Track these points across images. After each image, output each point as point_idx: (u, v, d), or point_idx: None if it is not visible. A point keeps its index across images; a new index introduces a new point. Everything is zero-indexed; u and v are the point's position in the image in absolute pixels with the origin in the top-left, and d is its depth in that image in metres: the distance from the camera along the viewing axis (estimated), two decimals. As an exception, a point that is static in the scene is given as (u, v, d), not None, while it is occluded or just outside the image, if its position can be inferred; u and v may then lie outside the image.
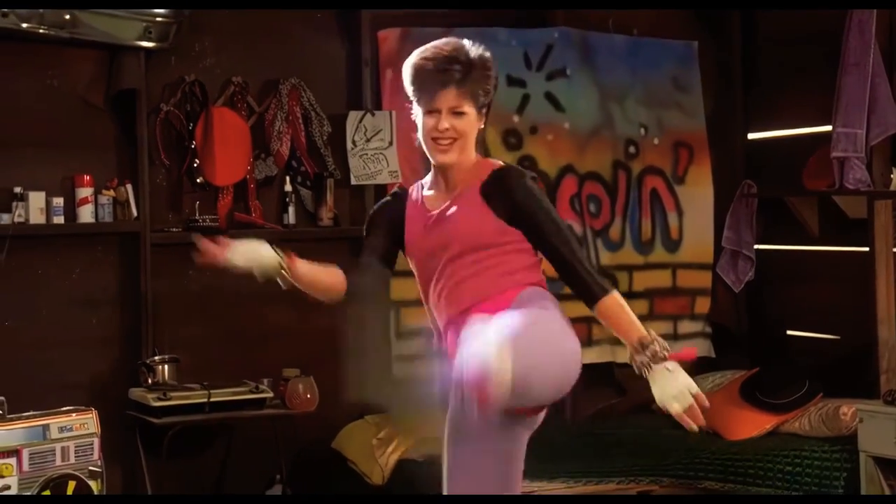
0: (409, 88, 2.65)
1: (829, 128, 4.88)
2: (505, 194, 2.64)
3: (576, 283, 2.64)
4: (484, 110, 2.66)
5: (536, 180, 2.71)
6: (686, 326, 5.57)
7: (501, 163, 2.75)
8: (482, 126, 2.68)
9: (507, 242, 2.64)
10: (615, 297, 2.61)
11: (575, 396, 5.34)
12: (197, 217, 4.62)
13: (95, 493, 3.77)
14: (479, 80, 2.59)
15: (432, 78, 2.59)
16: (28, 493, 3.73)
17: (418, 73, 2.62)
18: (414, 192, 2.78)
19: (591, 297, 2.62)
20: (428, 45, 2.65)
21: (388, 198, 2.85)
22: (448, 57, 2.59)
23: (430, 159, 2.70)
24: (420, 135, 2.67)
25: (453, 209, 2.66)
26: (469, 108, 2.61)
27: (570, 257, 2.63)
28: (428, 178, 2.75)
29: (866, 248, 4.87)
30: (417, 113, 2.67)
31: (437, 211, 2.68)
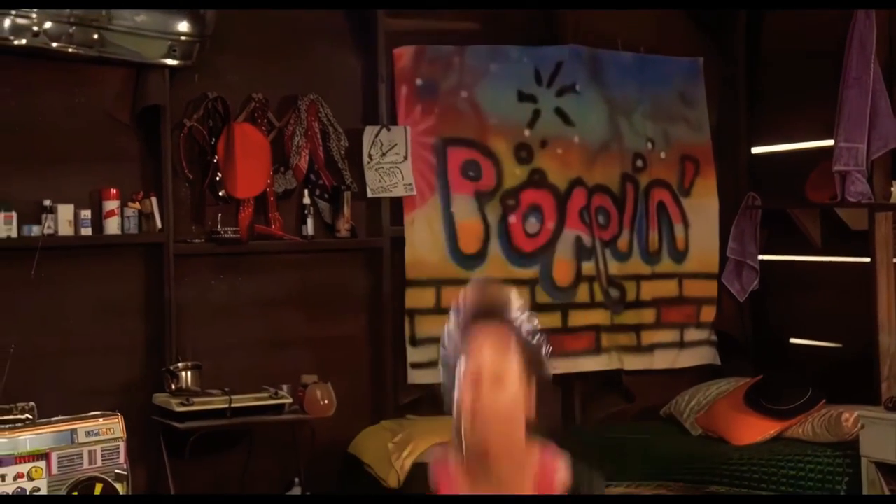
0: None
1: (830, 142, 4.91)
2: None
3: None
4: None
5: None
6: (692, 334, 5.60)
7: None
8: None
9: None
10: None
11: (584, 403, 5.44)
12: (219, 229, 4.69)
13: (121, 494, 3.86)
14: None
15: None
16: (56, 495, 3.83)
17: None
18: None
19: None
20: None
21: None
22: None
23: None
24: None
25: None
26: None
27: None
28: None
29: (867, 259, 4.91)
30: None
31: None
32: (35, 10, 4.23)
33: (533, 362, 2.00)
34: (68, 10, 4.29)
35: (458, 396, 1.98)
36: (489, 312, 2.04)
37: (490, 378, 1.95)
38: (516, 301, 2.05)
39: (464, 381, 1.98)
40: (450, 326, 2.07)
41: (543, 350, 2.04)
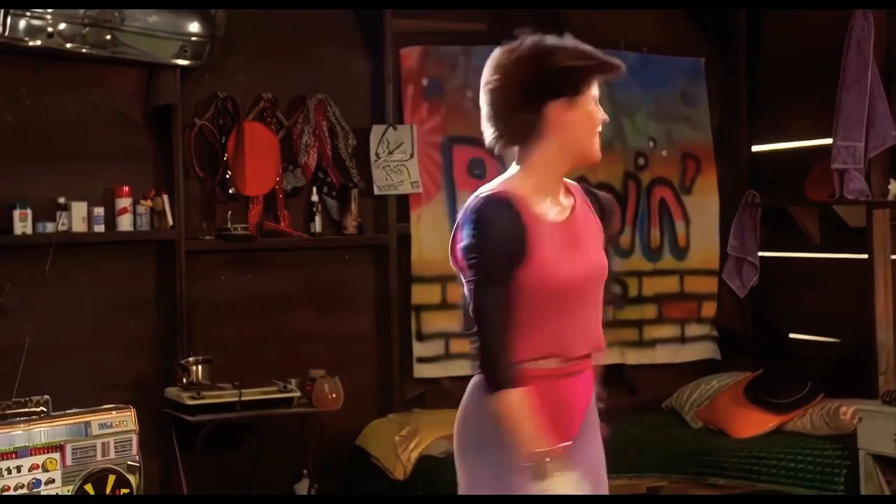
0: (565, 74, 2.35)
1: (829, 141, 4.92)
2: (613, 219, 2.48)
3: None
4: None
5: None
6: (693, 330, 5.64)
7: None
8: None
9: None
10: None
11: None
12: (229, 226, 4.75)
13: (133, 486, 3.90)
14: None
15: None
16: (71, 486, 3.89)
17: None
18: (519, 203, 2.34)
19: None
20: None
21: (496, 212, 2.36)
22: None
23: (584, 158, 2.47)
24: (572, 129, 2.39)
25: (588, 226, 2.44)
26: None
27: None
28: (518, 184, 2.39)
29: (865, 256, 4.92)
30: (555, 107, 2.35)
31: (576, 227, 2.38)
32: (49, 11, 4.30)
33: None
34: (82, 12, 4.35)
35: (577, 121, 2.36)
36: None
37: None
38: None
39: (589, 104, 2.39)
40: None
41: None
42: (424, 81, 5.18)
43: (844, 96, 4.85)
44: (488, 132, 2.42)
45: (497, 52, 2.42)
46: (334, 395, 4.61)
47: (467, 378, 2.48)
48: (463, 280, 2.42)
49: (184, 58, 4.59)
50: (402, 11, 5.12)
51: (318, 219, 4.96)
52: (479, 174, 5.26)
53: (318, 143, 4.94)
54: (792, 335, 5.54)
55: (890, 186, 4.91)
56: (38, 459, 3.77)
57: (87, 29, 4.38)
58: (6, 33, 4.24)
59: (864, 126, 4.79)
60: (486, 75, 2.41)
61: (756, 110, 5.76)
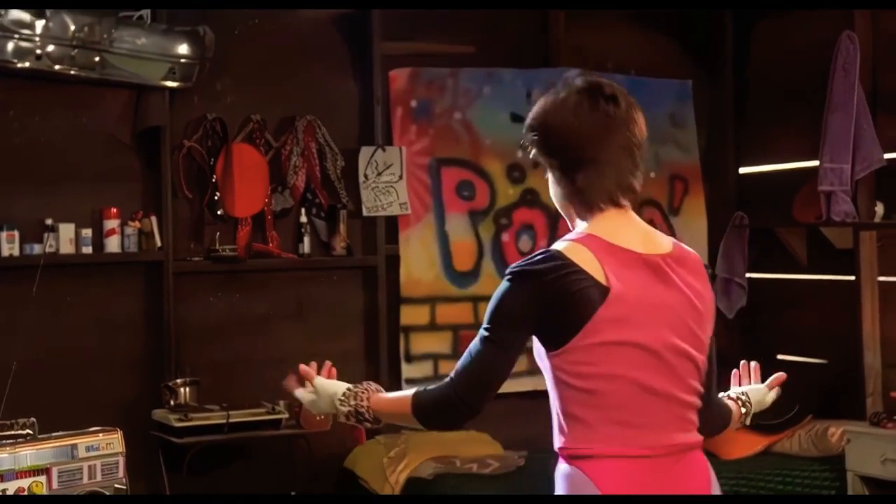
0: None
1: (816, 163, 4.97)
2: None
3: None
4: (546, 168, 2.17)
5: None
6: None
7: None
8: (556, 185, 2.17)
9: None
10: None
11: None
12: (217, 247, 4.75)
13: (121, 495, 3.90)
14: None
15: None
16: (55, 496, 3.88)
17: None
18: None
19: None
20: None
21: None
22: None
23: None
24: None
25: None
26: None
27: None
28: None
29: (852, 277, 4.98)
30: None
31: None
32: (38, 33, 4.31)
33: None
34: (71, 33, 4.36)
35: None
36: None
37: None
38: None
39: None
40: None
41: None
42: (413, 103, 5.20)
43: (831, 118, 4.90)
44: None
45: (613, 103, 2.12)
46: (322, 417, 4.50)
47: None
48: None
49: (173, 79, 4.60)
50: (390, 33, 5.15)
51: (306, 240, 4.97)
52: (468, 196, 5.28)
53: (306, 164, 4.96)
54: (780, 356, 5.55)
55: (876, 208, 4.96)
56: (24, 483, 3.74)
57: (76, 51, 4.40)
58: (-5, 55, 4.26)
59: (851, 148, 4.84)
60: (639, 125, 2.21)
61: (743, 132, 5.80)
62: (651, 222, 5.90)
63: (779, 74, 5.59)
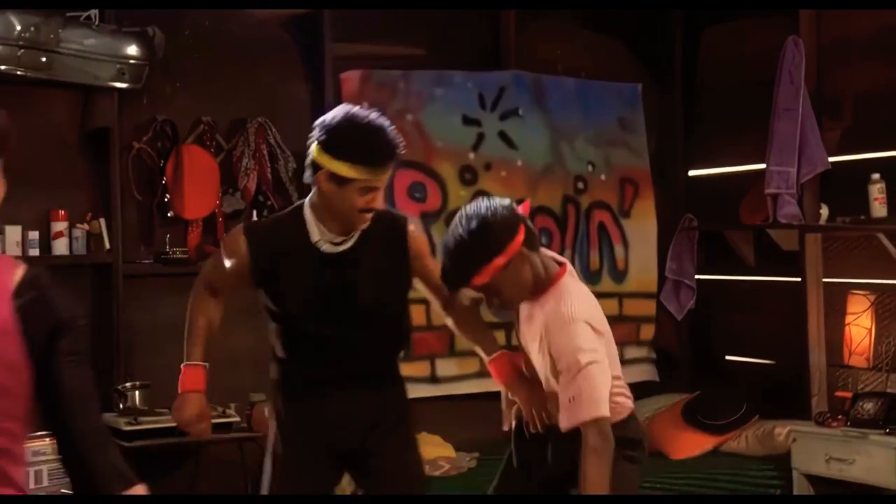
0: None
1: (763, 166, 5.03)
2: None
3: None
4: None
5: None
6: (632, 352, 5.66)
7: None
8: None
9: None
10: None
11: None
12: (167, 249, 4.71)
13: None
14: None
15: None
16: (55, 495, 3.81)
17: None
18: None
19: None
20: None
21: None
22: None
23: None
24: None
25: None
26: None
27: None
28: None
29: (798, 279, 5.05)
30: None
31: None
32: (-17, 34, 4.26)
33: None
34: (17, 33, 4.30)
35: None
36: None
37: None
38: None
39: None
40: None
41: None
42: (365, 105, 5.17)
43: (777, 123, 4.97)
44: None
45: None
46: (274, 420, 4.59)
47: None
48: None
49: (121, 80, 4.55)
50: (342, 35, 5.14)
51: (257, 242, 4.93)
52: (420, 197, 5.28)
53: (258, 166, 4.93)
54: (728, 357, 5.63)
55: (821, 211, 5.03)
56: (-32, 489, 3.69)
57: (22, 51, 4.33)
58: (-61, 55, 4.19)
59: (797, 152, 4.91)
60: None
61: (692, 136, 5.87)
62: (601, 225, 6.01)
63: (727, 79, 5.67)
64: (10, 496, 1.82)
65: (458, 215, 2.81)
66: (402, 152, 2.88)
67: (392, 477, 3.06)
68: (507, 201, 2.79)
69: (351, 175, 2.82)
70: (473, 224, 2.71)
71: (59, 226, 4.53)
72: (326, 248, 2.96)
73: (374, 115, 2.89)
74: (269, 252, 2.99)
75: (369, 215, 2.88)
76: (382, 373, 3.07)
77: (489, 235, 2.70)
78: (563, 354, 2.63)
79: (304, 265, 2.96)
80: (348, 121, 2.88)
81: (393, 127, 2.90)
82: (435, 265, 3.04)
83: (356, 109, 2.92)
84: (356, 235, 2.97)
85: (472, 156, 5.35)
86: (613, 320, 5.50)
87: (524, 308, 2.83)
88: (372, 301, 2.96)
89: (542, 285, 2.74)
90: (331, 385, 3.01)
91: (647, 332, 5.75)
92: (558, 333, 2.65)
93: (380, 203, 2.90)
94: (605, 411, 2.58)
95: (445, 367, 5.32)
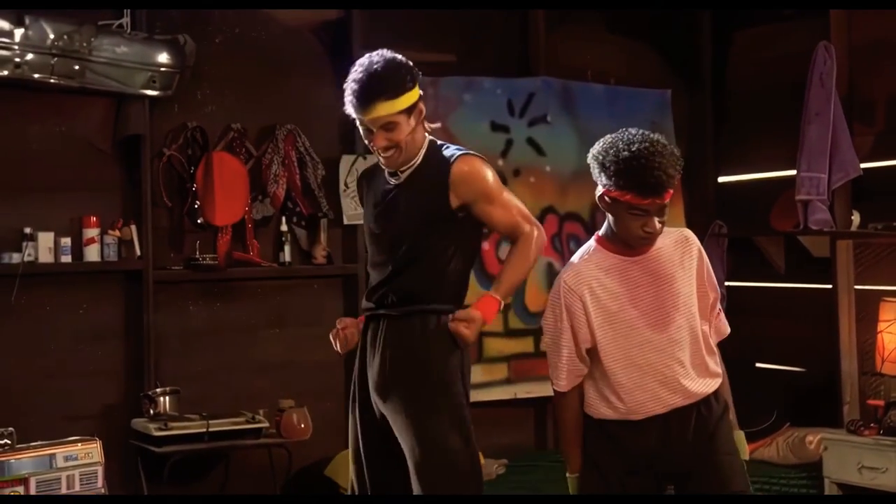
0: None
1: (793, 172, 5.00)
2: None
3: None
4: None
5: None
6: None
7: None
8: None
9: None
10: None
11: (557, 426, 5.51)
12: (197, 256, 4.74)
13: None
14: None
15: None
16: (54, 495, 3.85)
17: None
18: None
19: None
20: None
21: None
22: None
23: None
24: None
25: None
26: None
27: None
28: None
29: (829, 286, 5.02)
30: None
31: None
32: (17, 42, 4.30)
33: None
34: (50, 42, 4.35)
35: None
36: None
37: None
38: None
39: None
40: None
41: None
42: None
43: (808, 129, 4.94)
44: None
45: None
46: (303, 426, 4.61)
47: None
48: None
49: (153, 88, 4.60)
50: (371, 41, 5.14)
51: (287, 248, 4.96)
52: (449, 204, 5.28)
53: (287, 173, 4.96)
54: (758, 364, 5.60)
55: (853, 217, 5.00)
56: (2, 492, 3.73)
57: (56, 59, 4.38)
58: (-27, 64, 4.24)
59: (828, 158, 4.88)
60: None
61: (722, 142, 5.85)
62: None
63: (757, 84, 5.65)
64: (10, 496, 1.85)
65: None
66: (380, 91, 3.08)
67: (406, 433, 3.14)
68: None
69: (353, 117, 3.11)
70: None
71: (91, 232, 4.57)
72: (386, 184, 3.16)
73: (364, 60, 3.16)
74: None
75: (386, 153, 3.07)
76: (409, 310, 3.12)
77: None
78: (714, 284, 3.07)
79: (375, 197, 3.22)
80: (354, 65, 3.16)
81: (380, 66, 3.13)
82: (492, 208, 3.14)
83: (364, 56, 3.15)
84: (407, 172, 3.12)
85: (500, 162, 5.35)
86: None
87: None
88: (396, 232, 3.11)
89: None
90: (370, 313, 3.17)
91: (677, 338, 5.71)
92: (710, 268, 3.06)
93: (381, 142, 3.06)
94: None
95: (473, 373, 5.28)
